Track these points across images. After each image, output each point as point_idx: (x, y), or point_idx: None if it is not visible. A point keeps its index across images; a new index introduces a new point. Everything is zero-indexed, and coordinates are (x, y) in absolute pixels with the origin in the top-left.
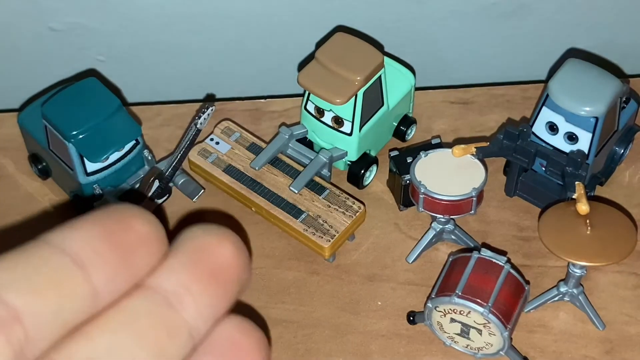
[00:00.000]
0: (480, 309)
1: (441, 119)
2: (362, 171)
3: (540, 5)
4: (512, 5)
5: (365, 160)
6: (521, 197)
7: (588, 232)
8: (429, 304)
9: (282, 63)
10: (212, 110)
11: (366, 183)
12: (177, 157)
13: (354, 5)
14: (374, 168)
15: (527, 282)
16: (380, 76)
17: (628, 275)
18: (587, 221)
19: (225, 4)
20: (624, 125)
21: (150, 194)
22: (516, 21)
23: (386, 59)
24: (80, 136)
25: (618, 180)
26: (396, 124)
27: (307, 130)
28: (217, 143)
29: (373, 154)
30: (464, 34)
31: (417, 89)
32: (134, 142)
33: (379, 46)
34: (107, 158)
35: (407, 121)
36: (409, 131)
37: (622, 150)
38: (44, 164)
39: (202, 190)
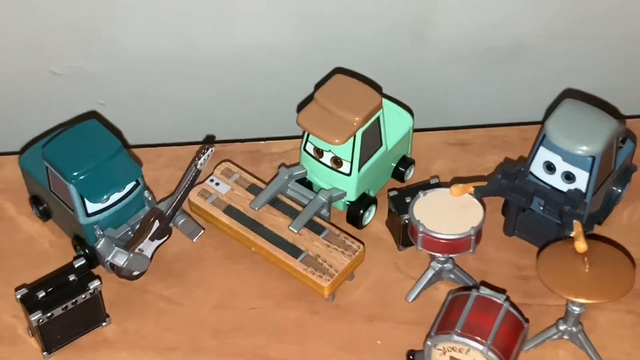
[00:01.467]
0: (480, 347)
1: (439, 159)
2: (362, 211)
3: (536, 47)
4: (509, 48)
5: (365, 201)
6: (520, 237)
7: (586, 270)
8: (429, 342)
9: (281, 105)
10: (211, 151)
11: (365, 223)
12: (177, 197)
13: (352, 47)
14: (373, 208)
15: (527, 320)
16: (378, 117)
17: (627, 314)
18: (586, 259)
19: (224, 49)
20: (620, 165)
21: (150, 234)
22: (513, 64)
23: (384, 100)
24: (81, 177)
25: (616, 220)
26: (395, 165)
27: (306, 171)
28: (217, 184)
29: (372, 194)
30: (461, 76)
31: (416, 130)
32: (134, 182)
33: (377, 87)
34: (107, 199)
35: (405, 162)
36: (407, 172)
37: (620, 190)
38: (45, 205)
39: (202, 231)
